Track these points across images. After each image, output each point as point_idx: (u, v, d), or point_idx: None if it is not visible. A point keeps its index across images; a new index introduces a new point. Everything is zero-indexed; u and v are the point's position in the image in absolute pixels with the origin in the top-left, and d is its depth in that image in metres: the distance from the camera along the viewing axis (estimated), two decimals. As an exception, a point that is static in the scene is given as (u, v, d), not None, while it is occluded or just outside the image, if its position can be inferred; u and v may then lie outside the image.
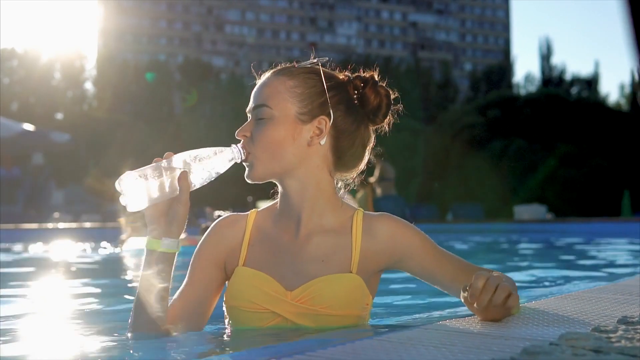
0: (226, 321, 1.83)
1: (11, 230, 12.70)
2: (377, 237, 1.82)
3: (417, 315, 2.41)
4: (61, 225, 14.97)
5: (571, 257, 6.75)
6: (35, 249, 8.62)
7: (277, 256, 1.81)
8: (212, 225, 1.91)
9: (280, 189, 1.86)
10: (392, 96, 1.89)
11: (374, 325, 1.93)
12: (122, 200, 1.61)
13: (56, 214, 18.15)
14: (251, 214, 1.91)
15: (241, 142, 1.77)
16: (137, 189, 1.60)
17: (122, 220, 7.18)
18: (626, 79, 58.20)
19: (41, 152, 21.61)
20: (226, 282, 1.85)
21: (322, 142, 1.79)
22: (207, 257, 1.84)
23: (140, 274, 1.67)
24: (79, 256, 7.23)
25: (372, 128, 1.90)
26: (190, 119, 40.63)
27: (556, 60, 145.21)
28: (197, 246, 1.87)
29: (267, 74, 1.85)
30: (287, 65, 1.88)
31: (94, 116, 41.78)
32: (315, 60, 1.84)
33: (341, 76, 1.88)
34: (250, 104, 1.82)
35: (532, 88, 58.46)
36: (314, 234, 1.83)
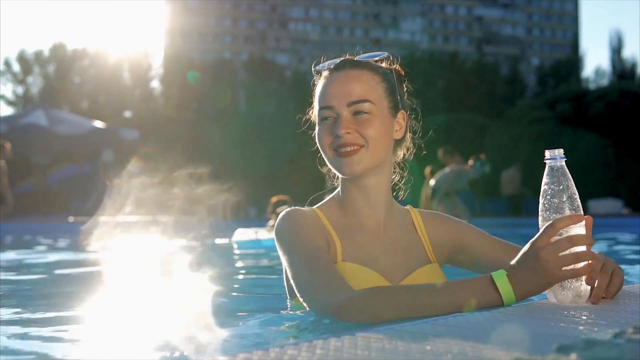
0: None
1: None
2: (437, 232, 1.86)
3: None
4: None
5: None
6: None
7: (368, 251, 1.79)
8: (291, 214, 1.76)
9: (352, 184, 1.81)
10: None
11: None
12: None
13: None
14: (315, 209, 1.85)
15: (345, 138, 1.71)
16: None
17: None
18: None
19: (111, 149, 21.99)
20: None
21: (400, 136, 1.84)
22: (319, 241, 1.71)
23: (452, 291, 1.48)
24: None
25: None
26: (255, 116, 40.84)
27: (627, 53, 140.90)
28: (299, 232, 1.71)
29: (348, 69, 1.79)
30: (353, 57, 1.86)
31: (161, 114, 42.46)
32: (385, 54, 1.88)
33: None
34: (344, 99, 1.74)
35: (603, 82, 56.88)
36: (389, 227, 1.83)
